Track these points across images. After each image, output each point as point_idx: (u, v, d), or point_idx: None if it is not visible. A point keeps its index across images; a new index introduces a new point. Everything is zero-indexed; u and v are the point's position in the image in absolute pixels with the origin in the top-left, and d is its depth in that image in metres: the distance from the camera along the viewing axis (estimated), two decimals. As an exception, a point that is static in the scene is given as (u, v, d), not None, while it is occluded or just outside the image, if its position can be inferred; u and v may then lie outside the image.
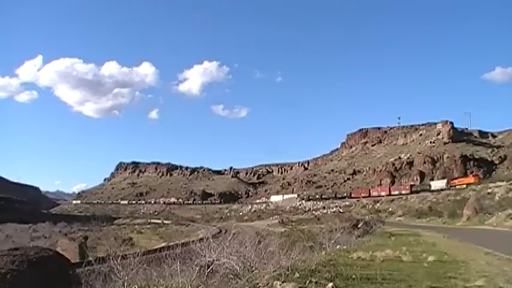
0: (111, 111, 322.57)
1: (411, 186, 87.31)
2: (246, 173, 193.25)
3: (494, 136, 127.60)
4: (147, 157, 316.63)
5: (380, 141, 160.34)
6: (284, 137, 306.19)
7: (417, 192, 79.90)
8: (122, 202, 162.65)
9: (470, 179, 71.18)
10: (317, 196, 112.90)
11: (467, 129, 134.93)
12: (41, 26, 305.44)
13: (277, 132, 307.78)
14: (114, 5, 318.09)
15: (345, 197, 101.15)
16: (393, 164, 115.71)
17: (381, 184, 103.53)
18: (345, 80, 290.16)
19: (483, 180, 71.37)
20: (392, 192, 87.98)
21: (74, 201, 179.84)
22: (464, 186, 68.28)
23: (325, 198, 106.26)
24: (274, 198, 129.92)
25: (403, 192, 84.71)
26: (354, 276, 7.97)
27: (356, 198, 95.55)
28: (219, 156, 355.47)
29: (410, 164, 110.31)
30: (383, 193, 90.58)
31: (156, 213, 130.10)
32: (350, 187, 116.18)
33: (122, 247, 22.02)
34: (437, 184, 78.89)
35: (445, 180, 78.85)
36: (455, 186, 71.93)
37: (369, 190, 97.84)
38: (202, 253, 7.69)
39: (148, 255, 13.75)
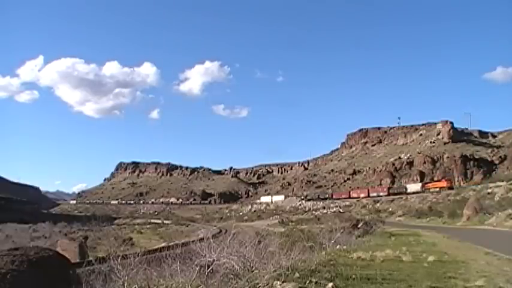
0: (111, 111, 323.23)
1: (388, 188, 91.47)
2: (246, 173, 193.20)
3: (494, 136, 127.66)
4: (147, 157, 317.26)
5: (380, 141, 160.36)
6: (284, 137, 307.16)
7: (394, 194, 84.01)
8: (113, 202, 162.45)
9: (443, 183, 75.24)
10: (302, 197, 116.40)
11: (467, 129, 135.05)
12: (42, 26, 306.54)
13: (277, 132, 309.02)
14: (116, 5, 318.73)
15: (326, 198, 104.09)
16: (393, 164, 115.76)
17: (380, 184, 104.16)
18: (345, 80, 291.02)
19: (483, 181, 72.42)
20: (371, 194, 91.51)
21: (72, 201, 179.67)
22: (438, 190, 72.43)
23: (310, 199, 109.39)
24: (265, 199, 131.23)
25: (381, 194, 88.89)
26: (354, 276, 7.97)
27: (337, 199, 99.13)
28: (219, 156, 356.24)
29: (410, 164, 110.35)
30: (362, 195, 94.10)
31: (156, 213, 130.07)
32: (350, 187, 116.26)
33: (122, 247, 22.02)
34: (413, 187, 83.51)
35: (420, 184, 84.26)
36: (429, 189, 76.03)
37: (349, 192, 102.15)
38: (202, 253, 7.69)
39: (149, 255, 13.74)
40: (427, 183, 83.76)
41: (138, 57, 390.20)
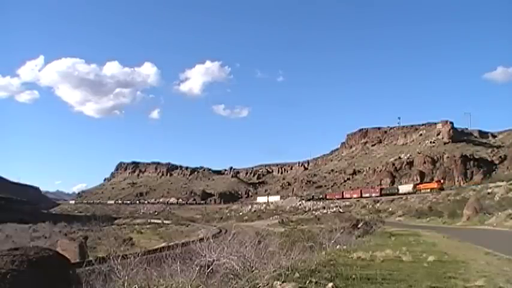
0: (112, 111, 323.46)
1: (381, 189, 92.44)
2: (246, 173, 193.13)
3: (494, 136, 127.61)
4: (147, 157, 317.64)
5: (380, 141, 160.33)
6: (284, 137, 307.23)
7: (387, 195, 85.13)
8: (109, 202, 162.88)
9: (434, 185, 76.73)
10: (299, 197, 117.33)
11: (467, 129, 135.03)
12: (42, 26, 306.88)
13: (277, 132, 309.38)
14: (116, 5, 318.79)
15: (321, 199, 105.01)
16: (393, 164, 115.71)
17: (380, 184, 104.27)
18: (345, 80, 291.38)
19: (483, 181, 72.77)
20: (364, 195, 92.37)
21: (72, 201, 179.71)
22: (429, 191, 73.94)
23: (307, 200, 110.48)
24: (261, 199, 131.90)
25: (373, 195, 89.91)
26: (354, 276, 7.96)
27: (330, 199, 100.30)
28: (219, 156, 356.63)
29: (410, 164, 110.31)
30: (355, 195, 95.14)
31: (156, 213, 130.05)
32: (350, 187, 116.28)
33: (122, 247, 21.98)
34: (405, 188, 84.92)
35: (411, 185, 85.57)
36: (420, 190, 77.48)
37: (342, 193, 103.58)
38: (202, 253, 7.68)
39: (148, 255, 13.73)
40: (418, 184, 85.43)
41: (138, 57, 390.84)
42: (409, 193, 78.83)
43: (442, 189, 72.07)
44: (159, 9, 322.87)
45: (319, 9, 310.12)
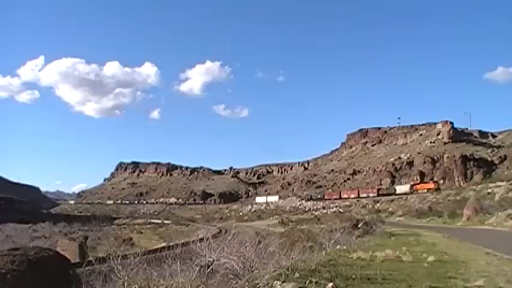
0: (112, 111, 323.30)
1: (378, 189, 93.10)
2: (246, 173, 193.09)
3: (494, 136, 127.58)
4: (147, 157, 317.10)
5: (380, 141, 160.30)
6: (284, 137, 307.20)
7: (384, 195, 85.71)
8: (108, 202, 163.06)
9: (430, 185, 77.74)
10: (295, 197, 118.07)
11: (467, 129, 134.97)
12: (42, 26, 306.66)
13: (277, 132, 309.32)
14: (117, 5, 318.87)
15: (319, 199, 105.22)
16: (393, 164, 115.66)
17: (380, 184, 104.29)
18: (345, 80, 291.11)
19: (483, 181, 72.82)
20: (362, 195, 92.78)
21: (72, 201, 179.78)
22: (426, 191, 74.66)
23: (307, 200, 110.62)
24: (260, 199, 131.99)
25: (371, 195, 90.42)
26: (354, 276, 7.95)
27: (329, 199, 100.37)
28: (219, 156, 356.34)
29: (410, 164, 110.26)
30: (352, 195, 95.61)
31: (156, 213, 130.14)
32: (350, 187, 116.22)
33: (122, 247, 21.94)
34: (402, 188, 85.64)
35: (408, 185, 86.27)
36: (417, 191, 78.05)
37: (340, 193, 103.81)
38: (202, 253, 7.68)
39: (149, 255, 13.73)
40: (415, 184, 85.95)
41: (138, 57, 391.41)
42: (406, 193, 79.41)
43: (439, 189, 72.53)
44: (159, 9, 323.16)
45: (319, 9, 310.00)
